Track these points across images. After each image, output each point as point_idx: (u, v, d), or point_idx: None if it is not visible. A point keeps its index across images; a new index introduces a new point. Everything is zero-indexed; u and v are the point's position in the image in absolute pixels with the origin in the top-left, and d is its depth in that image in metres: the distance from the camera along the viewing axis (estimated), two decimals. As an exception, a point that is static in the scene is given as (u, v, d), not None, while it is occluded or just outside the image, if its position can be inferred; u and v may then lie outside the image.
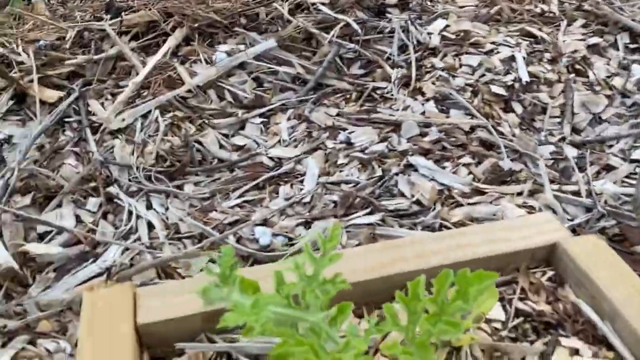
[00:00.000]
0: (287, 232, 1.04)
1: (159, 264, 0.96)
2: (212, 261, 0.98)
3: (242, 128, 1.36)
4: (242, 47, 1.52)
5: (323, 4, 1.65)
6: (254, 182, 1.18)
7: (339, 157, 1.23)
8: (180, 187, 1.18)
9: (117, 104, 1.28)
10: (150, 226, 1.08)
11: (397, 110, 1.33)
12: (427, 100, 1.34)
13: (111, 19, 1.55)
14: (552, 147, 1.25)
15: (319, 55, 1.52)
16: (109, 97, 1.38)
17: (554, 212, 1.07)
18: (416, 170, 1.17)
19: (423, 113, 1.31)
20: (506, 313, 0.81)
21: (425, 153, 1.22)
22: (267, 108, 1.40)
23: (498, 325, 0.80)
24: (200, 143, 1.28)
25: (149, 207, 1.12)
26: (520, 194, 1.12)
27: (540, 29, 1.56)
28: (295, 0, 1.67)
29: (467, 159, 1.20)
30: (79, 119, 1.29)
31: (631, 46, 1.55)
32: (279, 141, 1.31)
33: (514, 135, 1.26)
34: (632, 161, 1.19)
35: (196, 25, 1.56)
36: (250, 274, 0.60)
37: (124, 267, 0.96)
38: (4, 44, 1.46)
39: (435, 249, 0.85)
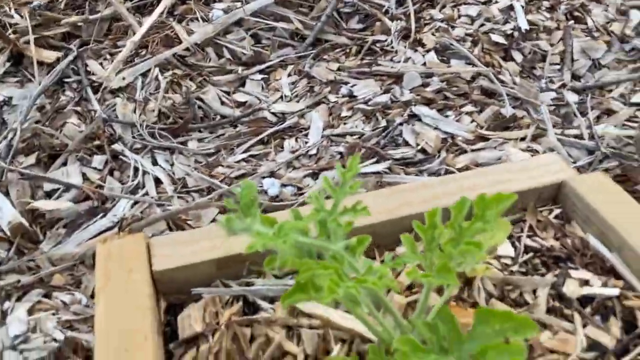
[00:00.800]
0: (295, 183, 1.05)
1: (170, 215, 0.97)
2: (223, 212, 0.99)
3: (243, 85, 1.35)
4: (238, 4, 1.50)
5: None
6: (258, 137, 1.19)
7: (342, 110, 1.23)
8: (184, 144, 1.18)
9: (117, 62, 1.27)
10: (158, 182, 1.08)
11: (399, 62, 1.32)
12: (428, 51, 1.34)
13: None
14: (553, 93, 1.25)
15: (316, 10, 1.51)
16: (108, 56, 1.36)
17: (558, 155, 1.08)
18: (420, 119, 1.18)
19: (424, 64, 1.31)
20: (515, 250, 0.83)
21: (428, 103, 1.22)
22: (266, 64, 1.39)
23: (508, 261, 0.81)
24: (201, 100, 1.27)
25: (155, 163, 1.12)
26: (523, 139, 1.13)
27: (538, -22, 1.55)
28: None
29: (469, 108, 1.21)
30: (78, 78, 1.28)
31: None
32: (281, 97, 1.31)
33: (514, 83, 1.27)
34: (632, 104, 1.20)
35: (190, -17, 1.53)
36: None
37: (135, 219, 0.96)
38: (-4, 8, 1.43)
39: (441, 192, 0.86)
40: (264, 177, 1.07)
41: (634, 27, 1.39)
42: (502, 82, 1.26)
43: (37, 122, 1.18)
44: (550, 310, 0.74)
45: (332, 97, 1.27)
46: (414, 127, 1.16)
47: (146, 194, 1.05)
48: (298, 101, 1.29)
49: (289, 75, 1.36)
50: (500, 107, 1.20)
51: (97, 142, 1.14)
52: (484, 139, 1.13)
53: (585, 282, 0.77)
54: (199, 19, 1.47)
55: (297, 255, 0.57)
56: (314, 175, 1.08)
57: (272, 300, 0.78)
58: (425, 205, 0.82)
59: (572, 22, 1.41)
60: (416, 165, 1.08)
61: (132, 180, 1.07)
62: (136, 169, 1.10)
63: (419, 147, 1.11)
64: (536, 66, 1.33)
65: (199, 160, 1.14)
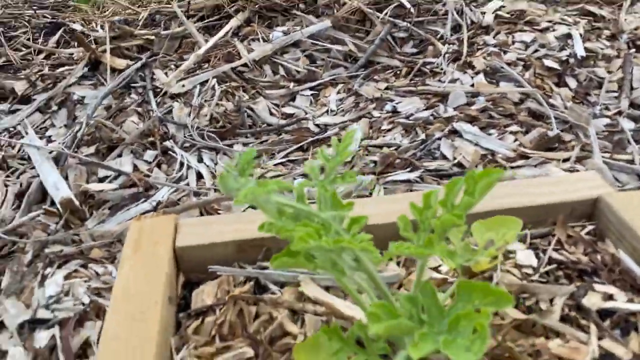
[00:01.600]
0: (325, 184, 1.07)
1: (203, 204, 1.02)
2: (252, 207, 1.02)
3: (293, 99, 1.41)
4: (298, 27, 1.59)
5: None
6: (299, 145, 1.23)
7: (383, 123, 1.25)
8: (230, 146, 1.25)
9: (179, 71, 1.38)
10: (200, 176, 1.14)
11: (445, 82, 1.33)
12: (477, 73, 1.34)
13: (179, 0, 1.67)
14: (607, 120, 1.20)
15: (372, 35, 1.56)
16: (173, 67, 1.48)
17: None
18: (460, 135, 1.17)
19: (472, 85, 1.31)
20: (539, 260, 0.79)
21: (471, 121, 1.21)
22: (317, 82, 1.44)
23: (529, 271, 0.78)
24: (251, 109, 1.34)
25: (200, 160, 1.19)
26: (567, 160, 1.09)
27: (600, 7, 1.52)
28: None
29: (514, 128, 1.18)
30: (144, 84, 1.40)
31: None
32: (327, 111, 1.35)
33: (565, 107, 1.23)
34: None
35: (257, 8, 1.64)
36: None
37: (171, 203, 1.02)
38: (84, 24, 1.61)
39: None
40: (295, 178, 1.10)
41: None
42: (552, 105, 1.23)
43: (102, 118, 1.29)
44: (565, 319, 0.69)
45: (375, 113, 1.30)
46: (454, 142, 1.15)
47: (187, 185, 1.11)
48: (343, 115, 1.32)
49: (338, 92, 1.41)
50: (547, 129, 1.17)
51: (151, 139, 1.23)
52: (525, 157, 1.10)
53: (610, 297, 0.72)
54: (260, 39, 1.56)
55: (293, 218, 0.59)
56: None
57: (282, 285, 0.79)
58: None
59: (633, 50, 1.36)
60: (450, 177, 1.07)
61: (177, 173, 1.14)
62: (182, 164, 1.17)
63: (456, 161, 1.10)
64: (591, 93, 1.29)
65: (242, 161, 1.20)
